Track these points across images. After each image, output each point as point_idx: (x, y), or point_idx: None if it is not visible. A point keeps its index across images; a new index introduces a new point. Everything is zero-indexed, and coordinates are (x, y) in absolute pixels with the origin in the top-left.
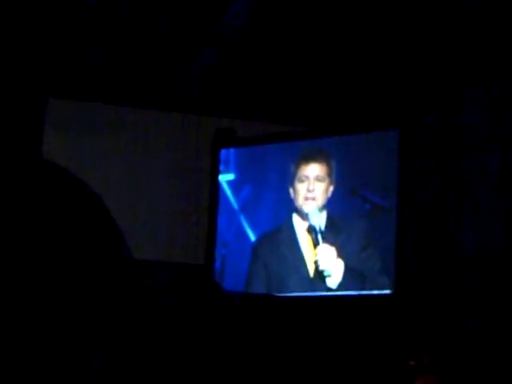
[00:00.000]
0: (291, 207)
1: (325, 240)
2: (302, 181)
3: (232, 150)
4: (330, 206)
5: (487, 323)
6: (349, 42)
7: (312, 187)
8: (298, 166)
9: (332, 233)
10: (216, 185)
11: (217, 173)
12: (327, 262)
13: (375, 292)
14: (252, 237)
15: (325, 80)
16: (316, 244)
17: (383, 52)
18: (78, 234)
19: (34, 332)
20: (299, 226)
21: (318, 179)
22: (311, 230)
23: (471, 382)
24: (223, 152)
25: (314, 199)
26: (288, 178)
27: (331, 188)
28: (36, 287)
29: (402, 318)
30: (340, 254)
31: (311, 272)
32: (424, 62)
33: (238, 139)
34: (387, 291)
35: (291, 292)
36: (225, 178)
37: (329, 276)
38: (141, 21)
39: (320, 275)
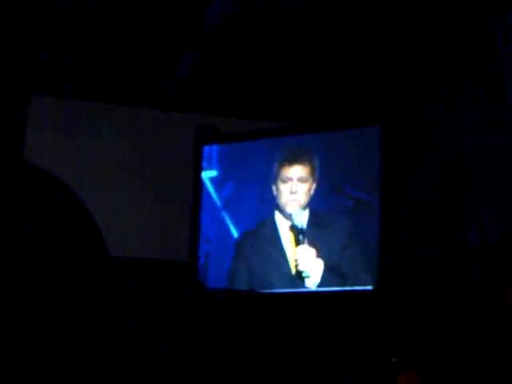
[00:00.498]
0: (274, 205)
1: (306, 239)
2: (284, 182)
3: (215, 147)
4: (312, 203)
5: (469, 317)
6: (331, 39)
7: (295, 189)
8: (281, 166)
9: (314, 230)
10: (199, 182)
11: (199, 169)
12: (306, 263)
13: (357, 288)
14: (235, 233)
15: (307, 77)
16: (298, 243)
17: (365, 48)
18: (54, 233)
19: (8, 326)
20: (282, 223)
21: (301, 180)
22: (294, 229)
23: (454, 376)
24: (206, 149)
25: (297, 200)
26: (271, 176)
27: (314, 186)
28: (12, 282)
29: (384, 314)
30: (320, 255)
31: (293, 269)
32: (406, 58)
33: (220, 136)
34: (369, 287)
35: (273, 288)
36: (207, 175)
37: (307, 277)
38: (125, 19)
39: (299, 275)
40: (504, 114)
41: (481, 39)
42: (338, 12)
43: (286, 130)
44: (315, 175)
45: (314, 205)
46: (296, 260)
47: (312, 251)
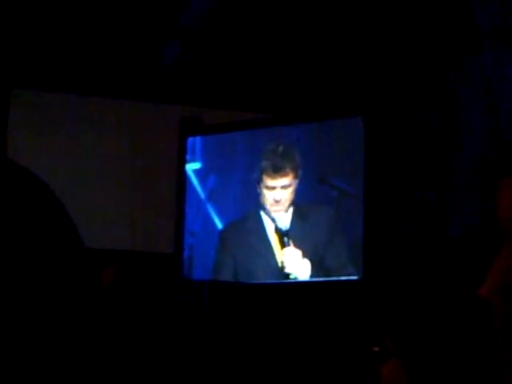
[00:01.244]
0: (258, 202)
1: (291, 241)
2: (269, 189)
3: (198, 139)
4: (297, 197)
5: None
6: (312, 29)
7: (279, 197)
8: (265, 174)
9: (298, 224)
10: (183, 174)
11: (184, 161)
12: (293, 266)
13: (342, 278)
14: (219, 225)
15: (289, 68)
16: (283, 246)
17: (345, 38)
18: (29, 228)
19: None
20: (267, 221)
21: (284, 187)
22: (278, 232)
23: (437, 366)
24: (190, 141)
25: (280, 206)
26: (255, 174)
27: (297, 182)
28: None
29: (369, 303)
30: (306, 254)
31: (278, 260)
32: (387, 45)
33: (203, 127)
34: (354, 277)
35: (259, 280)
36: (191, 167)
37: (295, 279)
38: (107, 11)
39: (286, 277)
40: (488, 103)
41: (465, 30)
42: (320, 2)
43: (268, 121)
44: (298, 172)
45: (298, 198)
46: (282, 262)
47: (298, 253)
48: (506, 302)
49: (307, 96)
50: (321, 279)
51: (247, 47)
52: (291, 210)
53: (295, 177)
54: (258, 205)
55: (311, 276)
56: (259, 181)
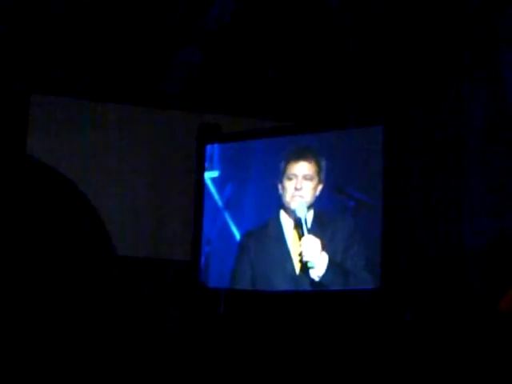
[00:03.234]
0: (279, 204)
1: (310, 232)
2: (290, 179)
3: (216, 147)
4: (317, 203)
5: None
6: (335, 39)
7: (300, 186)
8: (287, 163)
9: (318, 228)
10: (202, 181)
11: (202, 169)
12: (311, 253)
13: (358, 287)
14: (237, 234)
15: (311, 76)
16: (301, 236)
17: (368, 48)
18: (63, 231)
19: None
20: (286, 222)
21: (306, 178)
22: (297, 223)
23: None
24: (208, 148)
25: (301, 197)
26: (276, 175)
27: (320, 187)
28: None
29: (385, 312)
30: (325, 248)
31: (297, 268)
32: (410, 58)
33: (222, 135)
34: (370, 286)
35: (276, 288)
36: (209, 176)
37: (312, 268)
38: (125, 19)
39: (304, 267)
40: (505, 112)
41: (482, 38)
42: (340, 12)
43: (288, 130)
44: (321, 175)
45: (318, 205)
46: (301, 253)
47: (317, 242)
48: None
49: (327, 104)
50: (336, 288)
51: (268, 55)
52: (312, 212)
53: (317, 172)
54: (278, 208)
55: (329, 273)
56: (281, 175)
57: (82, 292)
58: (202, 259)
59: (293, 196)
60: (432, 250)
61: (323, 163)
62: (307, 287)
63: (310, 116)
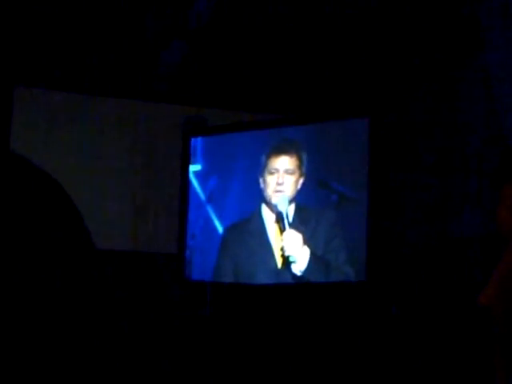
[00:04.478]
0: (260, 198)
1: (292, 226)
2: (271, 173)
3: (199, 140)
4: (298, 197)
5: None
6: (318, 31)
7: (281, 180)
8: (268, 157)
9: (299, 222)
10: (186, 174)
11: (188, 162)
12: (293, 248)
13: (340, 279)
14: (219, 227)
15: (295, 68)
16: (283, 230)
17: (352, 40)
18: (40, 224)
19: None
20: (268, 216)
21: (287, 172)
22: (279, 217)
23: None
24: (192, 141)
25: (283, 191)
26: (258, 169)
27: (301, 180)
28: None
29: (369, 305)
30: (306, 242)
31: (279, 263)
32: (397, 47)
33: (207, 128)
34: (351, 279)
35: (258, 281)
36: (192, 169)
37: (294, 262)
38: (113, 12)
39: (286, 261)
40: (492, 106)
41: (467, 30)
42: (326, 4)
43: (272, 122)
44: (302, 168)
45: (300, 199)
46: (282, 247)
47: (298, 236)
48: (505, 309)
49: (312, 97)
50: (318, 280)
51: (252, 48)
52: (293, 206)
53: (299, 166)
54: (259, 202)
55: (311, 266)
56: (263, 169)
57: (61, 287)
58: (187, 253)
59: (274, 191)
60: (418, 243)
61: (304, 156)
62: (289, 281)
63: (296, 108)
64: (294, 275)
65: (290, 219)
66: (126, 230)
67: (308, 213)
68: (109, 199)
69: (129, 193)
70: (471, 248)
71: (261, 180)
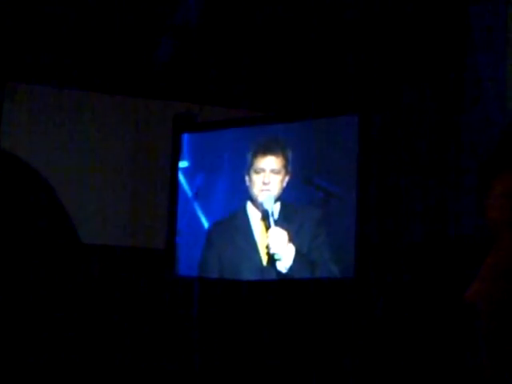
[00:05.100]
0: (246, 195)
1: (277, 224)
2: (257, 172)
3: (186, 137)
4: (284, 195)
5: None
6: (307, 27)
7: (268, 180)
8: (254, 156)
9: (285, 220)
10: (176, 170)
11: (177, 158)
12: (278, 246)
13: (324, 276)
14: (206, 224)
15: (283, 65)
16: (268, 228)
17: (341, 36)
18: (25, 220)
19: None
20: (253, 214)
21: (273, 172)
22: (264, 215)
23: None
24: (182, 137)
25: (269, 190)
26: (244, 167)
27: (287, 178)
28: None
29: (356, 302)
30: (292, 239)
31: (264, 261)
32: (386, 42)
33: (196, 124)
34: (336, 276)
35: (243, 278)
36: (179, 165)
37: (279, 260)
38: (102, 7)
39: (271, 259)
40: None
41: (457, 28)
42: (314, 1)
43: (259, 119)
44: (288, 167)
45: (285, 196)
46: (267, 245)
47: (284, 234)
48: (491, 305)
49: (301, 94)
50: (303, 276)
51: (241, 45)
52: (279, 204)
53: (284, 165)
54: (245, 200)
55: (296, 264)
56: (249, 168)
57: (45, 282)
58: (175, 248)
59: (261, 190)
60: (408, 241)
61: (290, 155)
62: (274, 278)
63: (284, 105)
64: (279, 272)
65: (276, 217)
66: (118, 224)
67: (293, 210)
68: (100, 195)
69: (120, 189)
70: (468, 246)
71: (247, 178)
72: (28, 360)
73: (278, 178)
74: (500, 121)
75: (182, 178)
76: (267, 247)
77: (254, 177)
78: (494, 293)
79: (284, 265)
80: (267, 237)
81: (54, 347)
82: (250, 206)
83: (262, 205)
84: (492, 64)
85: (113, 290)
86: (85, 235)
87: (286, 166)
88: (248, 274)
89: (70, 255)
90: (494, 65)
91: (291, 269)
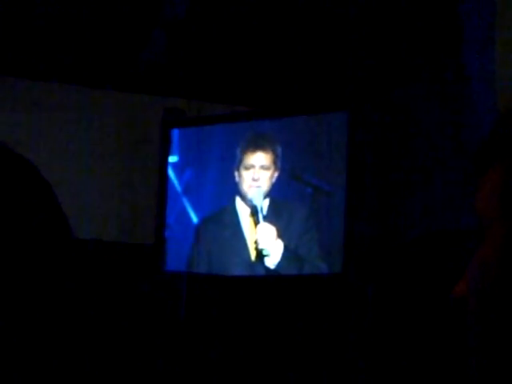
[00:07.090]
0: (235, 191)
1: (266, 220)
2: (247, 168)
3: (176, 132)
4: (273, 191)
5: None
6: (297, 22)
7: (257, 176)
8: (243, 152)
9: (274, 215)
10: (165, 165)
11: (166, 153)
12: (266, 241)
13: (313, 272)
14: (194, 219)
15: (272, 60)
16: (257, 223)
17: (331, 32)
18: (17, 211)
19: None
20: (242, 209)
21: (263, 168)
22: (253, 210)
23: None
24: (171, 132)
25: (258, 186)
26: (234, 162)
27: (276, 174)
28: None
29: (344, 298)
30: (280, 235)
31: (252, 256)
32: (375, 41)
33: (186, 120)
34: (324, 272)
35: (232, 273)
36: (169, 160)
37: (267, 255)
38: (92, 2)
39: (259, 254)
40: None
41: (447, 23)
42: None
43: (248, 115)
44: (277, 163)
45: (274, 192)
46: (256, 240)
47: (272, 229)
48: (479, 302)
49: (292, 90)
50: (291, 273)
51: (231, 40)
52: (268, 200)
53: (274, 161)
54: (234, 195)
55: (284, 260)
56: (239, 163)
57: (35, 274)
58: (164, 243)
59: (250, 186)
60: (397, 239)
61: (279, 150)
62: (263, 274)
63: (273, 101)
64: (267, 268)
65: (265, 213)
66: (106, 219)
67: (282, 206)
68: (88, 190)
69: (109, 184)
70: (464, 241)
71: (236, 174)
72: (21, 357)
73: (268, 174)
74: (491, 119)
75: (171, 172)
76: (256, 243)
77: (244, 173)
78: (482, 287)
79: (272, 261)
80: (256, 232)
81: (46, 343)
82: (238, 202)
83: (251, 201)
84: (482, 62)
85: (101, 285)
86: (73, 230)
87: (275, 162)
88: (236, 270)
89: (64, 250)
90: (483, 63)
91: (279, 264)
